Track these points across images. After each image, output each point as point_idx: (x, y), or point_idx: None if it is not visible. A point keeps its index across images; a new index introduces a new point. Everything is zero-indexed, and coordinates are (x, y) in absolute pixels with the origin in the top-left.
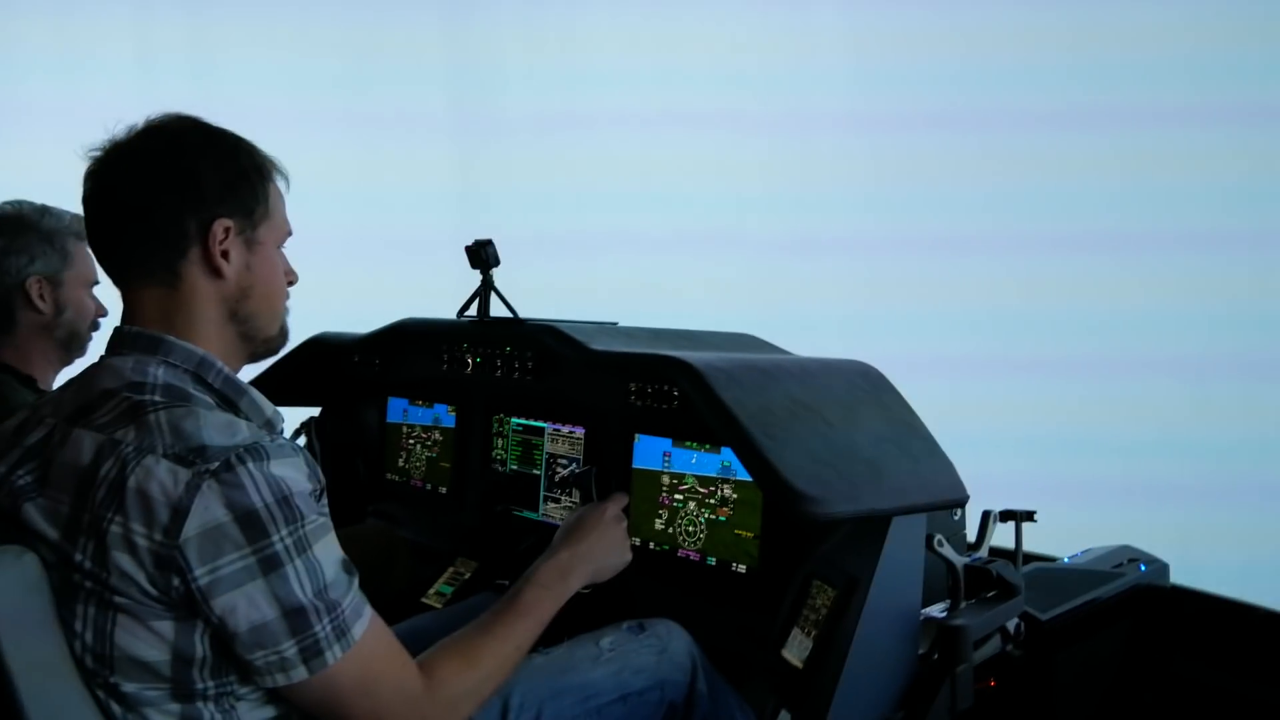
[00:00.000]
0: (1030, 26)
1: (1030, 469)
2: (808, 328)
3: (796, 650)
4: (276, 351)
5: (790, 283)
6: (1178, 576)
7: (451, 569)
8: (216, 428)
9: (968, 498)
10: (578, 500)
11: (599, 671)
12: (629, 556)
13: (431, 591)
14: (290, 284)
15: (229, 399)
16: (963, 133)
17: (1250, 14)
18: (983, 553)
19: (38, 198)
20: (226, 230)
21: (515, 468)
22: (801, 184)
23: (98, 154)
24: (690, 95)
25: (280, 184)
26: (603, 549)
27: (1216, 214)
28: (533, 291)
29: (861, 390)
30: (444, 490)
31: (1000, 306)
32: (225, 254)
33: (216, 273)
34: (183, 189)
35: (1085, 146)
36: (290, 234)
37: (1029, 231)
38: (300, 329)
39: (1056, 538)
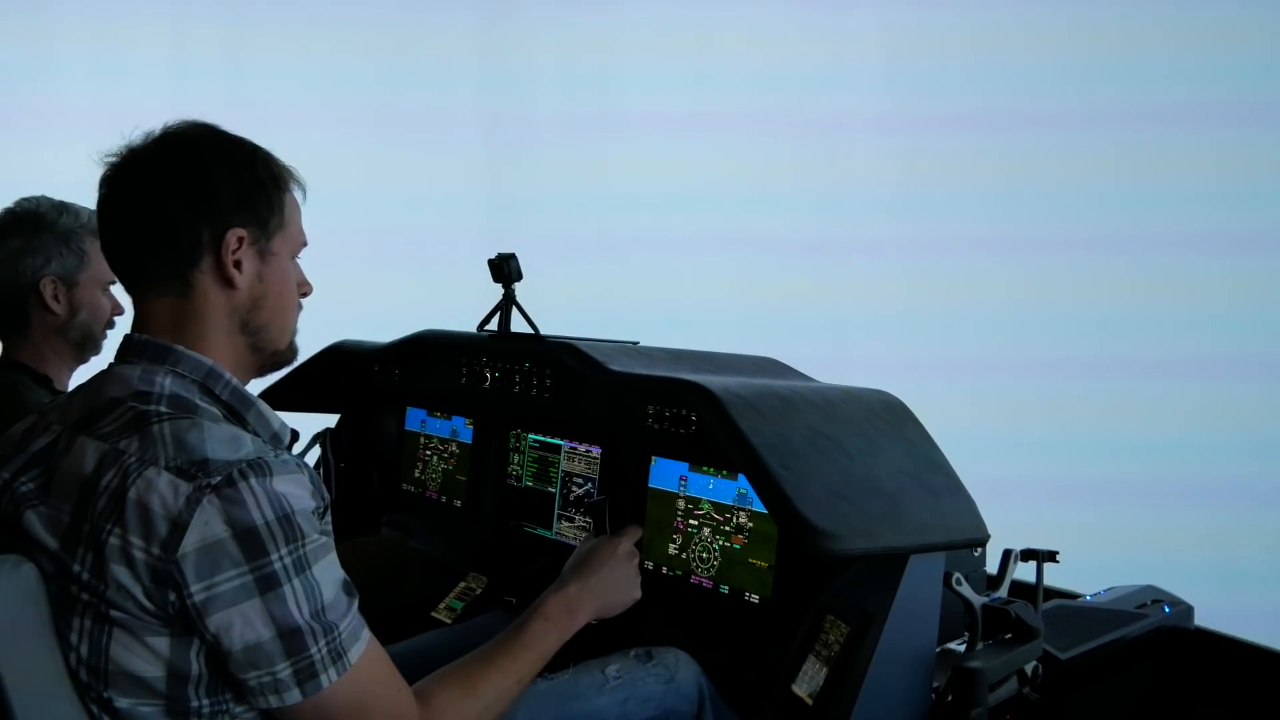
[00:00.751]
0: (1062, 28)
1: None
2: (835, 329)
3: (807, 685)
4: (283, 366)
5: (818, 284)
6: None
7: (463, 584)
8: (220, 441)
9: (989, 537)
10: (591, 523)
11: (604, 700)
12: (638, 594)
13: (441, 606)
14: (304, 295)
15: (236, 411)
16: (993, 135)
17: None
18: (1003, 592)
19: (72, 199)
20: (240, 240)
21: (530, 484)
22: (830, 186)
23: (114, 160)
24: (720, 97)
25: (297, 194)
26: (612, 585)
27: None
28: (558, 294)
29: (883, 421)
30: (459, 503)
31: (1032, 307)
32: (238, 264)
33: (229, 282)
34: (197, 197)
35: (1118, 147)
36: (305, 244)
37: (1060, 233)
38: (324, 332)
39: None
